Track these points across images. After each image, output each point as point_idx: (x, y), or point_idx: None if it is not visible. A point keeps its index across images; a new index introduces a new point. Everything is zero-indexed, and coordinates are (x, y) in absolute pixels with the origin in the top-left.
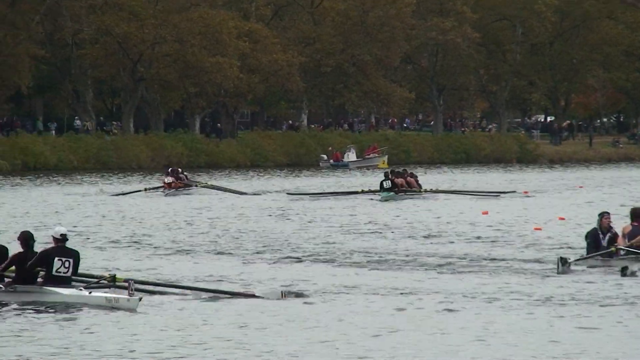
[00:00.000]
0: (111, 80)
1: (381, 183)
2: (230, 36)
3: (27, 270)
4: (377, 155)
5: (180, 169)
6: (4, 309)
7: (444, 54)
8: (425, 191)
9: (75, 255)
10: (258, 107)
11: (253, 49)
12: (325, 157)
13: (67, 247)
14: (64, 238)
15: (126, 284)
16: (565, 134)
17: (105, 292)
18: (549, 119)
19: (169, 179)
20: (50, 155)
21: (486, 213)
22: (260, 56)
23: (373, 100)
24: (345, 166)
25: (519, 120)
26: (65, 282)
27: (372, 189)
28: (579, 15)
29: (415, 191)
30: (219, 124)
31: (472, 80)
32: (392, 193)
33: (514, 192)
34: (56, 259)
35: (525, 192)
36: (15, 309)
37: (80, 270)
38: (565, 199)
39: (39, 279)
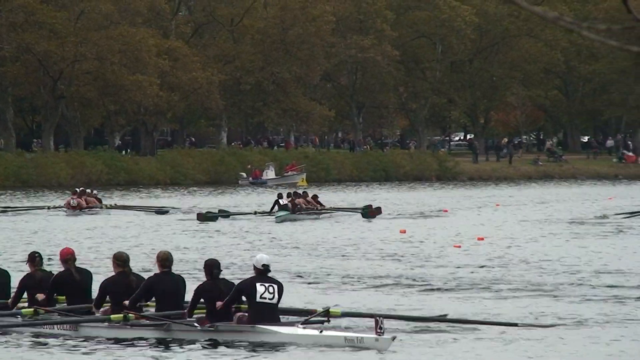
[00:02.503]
0: (31, 97)
1: (276, 202)
2: (150, 54)
3: (224, 305)
4: (295, 172)
5: (89, 190)
6: (209, 354)
7: (363, 71)
8: (325, 210)
9: (279, 284)
10: (178, 125)
11: (173, 67)
12: (244, 175)
13: (269, 277)
14: (266, 269)
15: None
16: (504, 150)
17: (341, 331)
18: (468, 136)
19: (73, 201)
20: None
21: (404, 232)
22: (180, 74)
23: (292, 118)
24: (264, 184)
25: (438, 137)
26: (271, 312)
27: (265, 210)
28: (498, 33)
29: (314, 211)
30: (106, 137)
31: (391, 97)
32: (287, 213)
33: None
34: (258, 284)
35: (445, 210)
36: (222, 354)
37: None
38: (482, 217)
39: (239, 313)
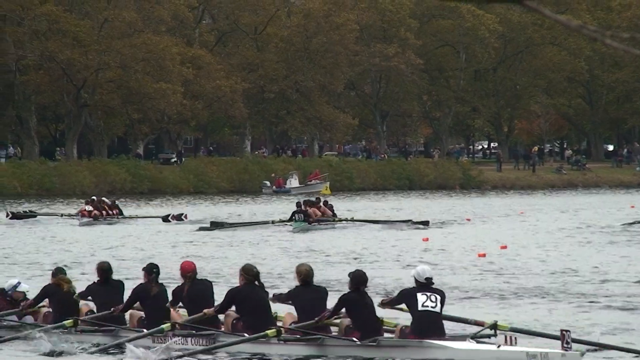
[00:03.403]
0: (55, 106)
1: (293, 213)
2: (173, 62)
3: (371, 317)
4: (319, 181)
5: (105, 199)
6: None
7: (387, 80)
8: (340, 220)
9: (442, 292)
10: (201, 133)
11: (196, 75)
12: (268, 183)
13: (431, 287)
14: (429, 282)
15: (508, 333)
16: (535, 159)
17: (521, 346)
18: (492, 145)
19: (88, 207)
20: None
21: (426, 240)
22: (204, 82)
23: (316, 126)
24: (287, 192)
25: (459, 145)
26: (435, 321)
27: (283, 218)
28: (522, 42)
29: (328, 220)
30: (129, 146)
31: (415, 106)
32: (304, 223)
33: (427, 221)
34: (419, 293)
35: (468, 219)
36: None
37: None
38: (507, 225)
39: (400, 326)
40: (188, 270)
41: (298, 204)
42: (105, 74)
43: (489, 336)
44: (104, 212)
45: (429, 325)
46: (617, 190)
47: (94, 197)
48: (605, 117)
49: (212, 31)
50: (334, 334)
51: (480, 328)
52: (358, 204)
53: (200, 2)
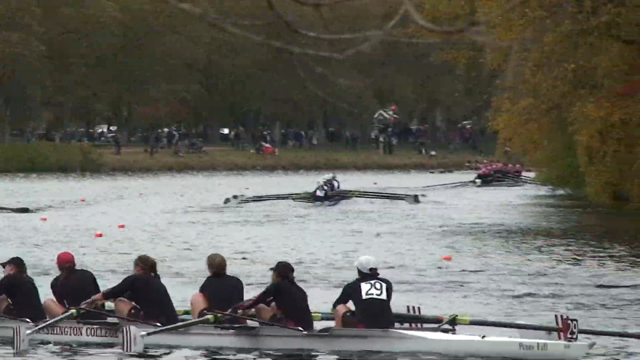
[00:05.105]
0: None
1: None
2: None
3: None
4: None
5: None
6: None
7: (11, 66)
8: None
9: (387, 282)
10: None
11: None
12: None
13: (377, 277)
14: (373, 273)
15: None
16: (162, 142)
17: (514, 337)
18: (111, 128)
19: None
20: None
21: (45, 219)
22: None
23: None
24: None
25: (83, 129)
26: (383, 310)
27: None
28: (142, 29)
29: None
30: None
31: (38, 91)
32: None
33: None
34: (362, 283)
35: (82, 200)
36: None
37: None
38: (125, 206)
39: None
40: (66, 261)
41: None
42: None
43: (447, 331)
44: None
45: (376, 314)
46: (232, 172)
47: None
48: (222, 102)
49: None
50: (272, 324)
51: (440, 322)
52: None
53: None
